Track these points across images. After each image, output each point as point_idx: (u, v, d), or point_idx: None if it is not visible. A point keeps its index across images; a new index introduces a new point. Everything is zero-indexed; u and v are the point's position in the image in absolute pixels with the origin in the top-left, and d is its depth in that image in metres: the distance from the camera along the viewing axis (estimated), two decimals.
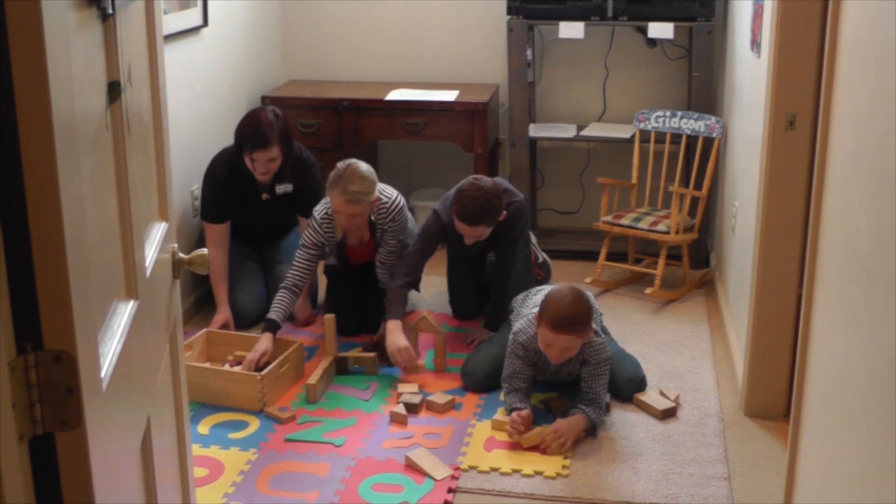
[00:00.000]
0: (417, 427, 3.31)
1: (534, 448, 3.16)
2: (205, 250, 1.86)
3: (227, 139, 4.44)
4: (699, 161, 4.51)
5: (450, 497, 2.91)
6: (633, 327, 4.09)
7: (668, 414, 3.37)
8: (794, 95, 3.06)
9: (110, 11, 1.34)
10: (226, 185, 4.00)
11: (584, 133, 4.85)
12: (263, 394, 3.39)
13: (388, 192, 3.84)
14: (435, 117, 4.73)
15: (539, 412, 3.37)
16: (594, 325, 3.30)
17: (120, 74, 1.40)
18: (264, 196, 4.07)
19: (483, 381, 3.54)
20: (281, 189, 4.08)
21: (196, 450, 3.05)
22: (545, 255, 4.43)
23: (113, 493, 1.24)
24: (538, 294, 3.49)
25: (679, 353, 3.86)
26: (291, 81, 5.25)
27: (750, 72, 3.68)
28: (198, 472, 2.97)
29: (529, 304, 3.50)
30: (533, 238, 4.32)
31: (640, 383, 3.50)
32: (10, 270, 1.03)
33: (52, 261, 1.05)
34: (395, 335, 3.62)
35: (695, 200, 4.51)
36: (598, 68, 5.02)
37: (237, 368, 3.53)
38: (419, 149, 5.26)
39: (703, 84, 4.59)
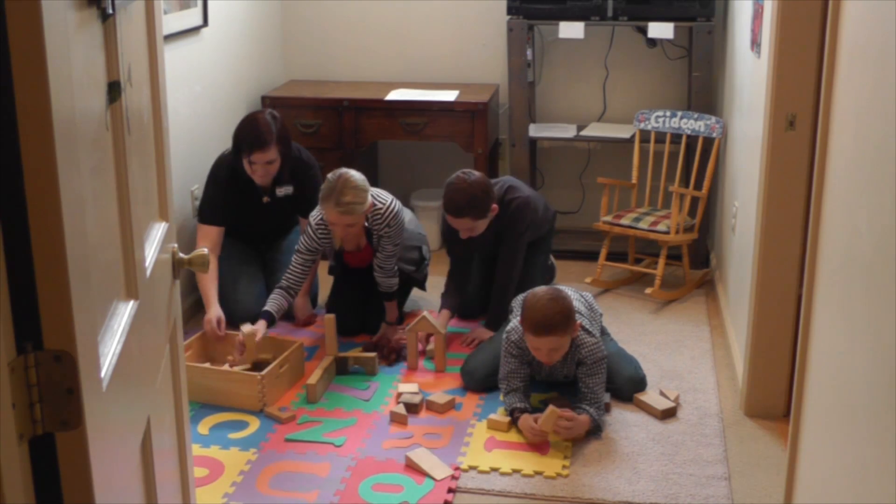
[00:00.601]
0: (417, 427, 3.32)
1: (534, 448, 3.16)
2: (204, 250, 1.86)
3: (227, 139, 4.43)
4: (699, 161, 4.51)
5: (450, 497, 2.91)
6: (633, 327, 4.09)
7: (668, 414, 3.37)
8: (794, 95, 3.06)
9: (110, 11, 1.34)
10: (227, 188, 3.99)
11: (584, 133, 4.85)
12: (263, 394, 3.39)
13: (382, 197, 3.83)
14: (435, 117, 4.73)
15: (539, 412, 3.37)
16: (581, 321, 3.30)
17: (120, 74, 1.40)
18: (265, 199, 4.06)
19: (483, 381, 3.54)
20: (281, 191, 4.08)
21: (196, 450, 3.05)
22: (552, 258, 4.44)
23: (113, 493, 1.24)
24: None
25: (679, 353, 3.86)
26: (291, 81, 5.25)
27: (750, 72, 3.68)
28: (198, 472, 2.97)
29: None
30: None
31: (639, 383, 3.50)
32: (10, 270, 1.03)
33: (52, 261, 1.05)
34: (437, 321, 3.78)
35: (695, 200, 4.52)
36: (598, 68, 5.02)
37: (237, 368, 3.53)
38: (419, 149, 5.26)
39: (703, 84, 4.59)
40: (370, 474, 3.01)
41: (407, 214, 4.06)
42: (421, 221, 4.92)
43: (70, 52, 1.12)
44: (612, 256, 4.59)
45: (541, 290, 3.26)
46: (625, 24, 4.64)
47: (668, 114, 4.58)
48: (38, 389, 1.06)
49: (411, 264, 4.12)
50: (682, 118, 4.54)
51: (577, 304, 3.45)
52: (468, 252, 4.02)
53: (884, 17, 1.67)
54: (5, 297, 1.02)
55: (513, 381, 3.32)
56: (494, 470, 3.05)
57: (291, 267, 3.81)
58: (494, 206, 3.79)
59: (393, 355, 3.79)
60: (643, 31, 4.67)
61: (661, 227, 4.34)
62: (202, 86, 4.28)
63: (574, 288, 3.68)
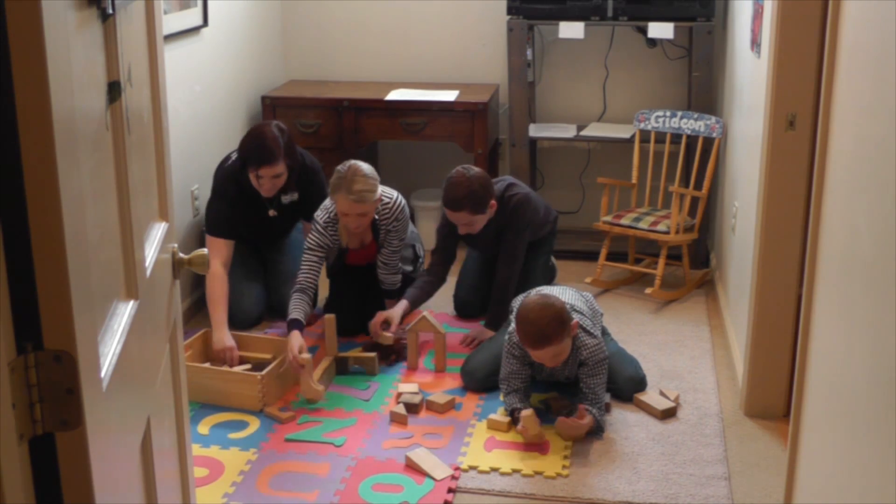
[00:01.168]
0: (417, 427, 3.31)
1: (534, 448, 3.16)
2: (205, 250, 1.85)
3: (227, 139, 4.45)
4: (699, 161, 4.51)
5: (450, 497, 2.91)
6: (633, 327, 4.09)
7: (668, 414, 3.37)
8: (794, 95, 3.06)
9: (110, 11, 1.34)
10: (234, 202, 3.96)
11: (584, 133, 4.85)
12: (263, 394, 3.39)
13: (388, 192, 3.85)
14: (435, 117, 4.73)
15: (539, 412, 3.37)
16: (582, 320, 3.29)
17: (120, 74, 1.40)
18: (272, 213, 4.04)
19: (483, 381, 3.54)
20: (287, 199, 4.06)
21: (196, 450, 3.05)
22: (553, 259, 4.44)
23: (113, 493, 1.24)
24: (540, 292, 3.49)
25: (679, 353, 3.86)
26: (291, 81, 5.25)
27: (750, 72, 3.68)
28: (198, 472, 2.97)
29: None
30: None
31: (640, 383, 3.50)
32: (10, 270, 1.03)
33: (52, 261, 1.05)
34: (391, 309, 3.82)
35: (695, 200, 4.52)
36: (598, 68, 5.02)
37: (238, 368, 3.52)
38: (419, 149, 5.26)
39: (703, 84, 4.59)
40: (370, 474, 3.01)
41: None
42: (421, 221, 4.93)
43: (70, 52, 1.12)
44: (612, 256, 4.59)
45: (530, 300, 3.22)
46: (625, 24, 4.64)
47: (668, 114, 4.58)
48: (38, 389, 1.06)
49: (407, 263, 4.12)
50: (682, 118, 4.54)
51: (578, 302, 3.45)
52: (453, 253, 4.02)
53: (884, 17, 1.67)
54: (5, 297, 1.02)
55: (513, 381, 3.32)
56: (494, 470, 3.05)
57: (303, 266, 3.75)
58: (493, 202, 3.79)
59: (393, 356, 3.79)
60: (643, 31, 4.67)
61: (661, 227, 4.34)
62: (202, 86, 4.28)
63: (574, 288, 3.68)
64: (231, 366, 3.59)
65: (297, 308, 3.64)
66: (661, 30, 4.51)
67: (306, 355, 3.44)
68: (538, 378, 3.44)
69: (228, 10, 4.53)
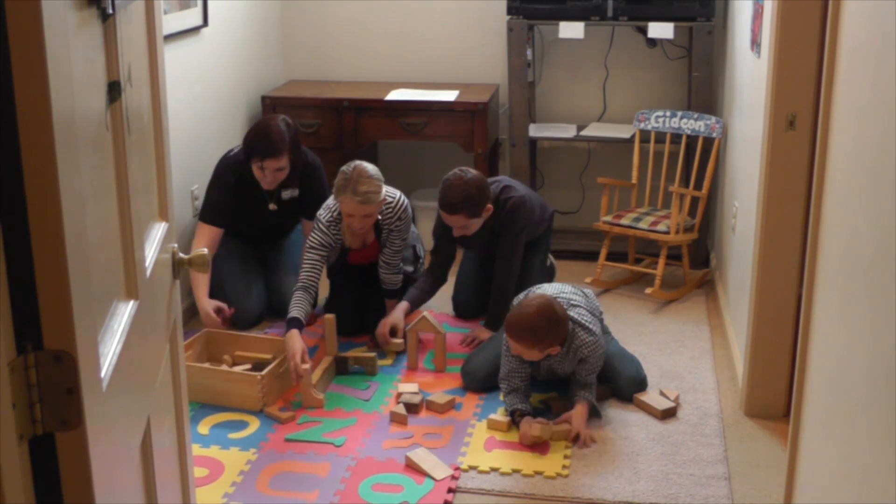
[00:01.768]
0: (417, 427, 3.31)
1: (534, 448, 3.16)
2: (205, 250, 1.85)
3: (227, 139, 4.45)
4: (699, 161, 4.51)
5: (450, 497, 2.91)
6: (633, 327, 4.09)
7: (669, 414, 3.37)
8: (794, 95, 3.06)
9: (110, 11, 1.34)
10: (233, 192, 3.98)
11: (584, 133, 4.85)
12: (263, 394, 3.39)
13: (391, 192, 3.85)
14: (435, 117, 4.73)
15: (539, 412, 3.37)
16: (581, 314, 3.29)
17: (120, 74, 1.40)
18: (272, 206, 4.06)
19: (483, 381, 3.54)
20: (287, 194, 4.07)
21: (196, 450, 3.05)
22: (552, 258, 4.44)
23: (113, 493, 1.24)
24: (538, 291, 3.49)
25: (679, 353, 3.86)
26: (291, 81, 5.25)
27: (750, 72, 3.68)
28: (198, 472, 2.97)
29: None
30: None
31: (641, 383, 3.50)
32: (10, 270, 1.03)
33: (52, 261, 1.05)
34: (393, 313, 3.83)
35: (695, 200, 4.52)
36: (598, 68, 5.02)
37: (238, 368, 3.53)
38: (419, 149, 5.26)
39: (703, 84, 4.59)
40: (370, 474, 3.01)
41: None
42: (421, 221, 4.93)
43: (70, 52, 1.12)
44: (612, 256, 4.59)
45: (531, 301, 3.22)
46: (625, 24, 4.64)
47: (668, 114, 4.58)
48: (38, 389, 1.06)
49: (407, 263, 4.12)
50: (682, 118, 4.54)
51: (577, 297, 3.44)
52: (452, 253, 4.03)
53: (884, 17, 1.67)
54: (5, 297, 1.02)
55: (513, 380, 3.32)
56: (494, 470, 3.05)
57: (305, 265, 3.74)
58: (489, 205, 3.79)
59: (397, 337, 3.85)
60: (643, 31, 4.67)
61: (661, 227, 4.34)
62: (202, 86, 4.28)
63: (574, 284, 3.66)
64: (224, 323, 3.79)
65: (297, 306, 3.63)
66: (661, 30, 4.51)
67: (306, 366, 3.44)
68: (538, 377, 3.44)
69: (228, 10, 4.53)
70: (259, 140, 3.87)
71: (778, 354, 3.28)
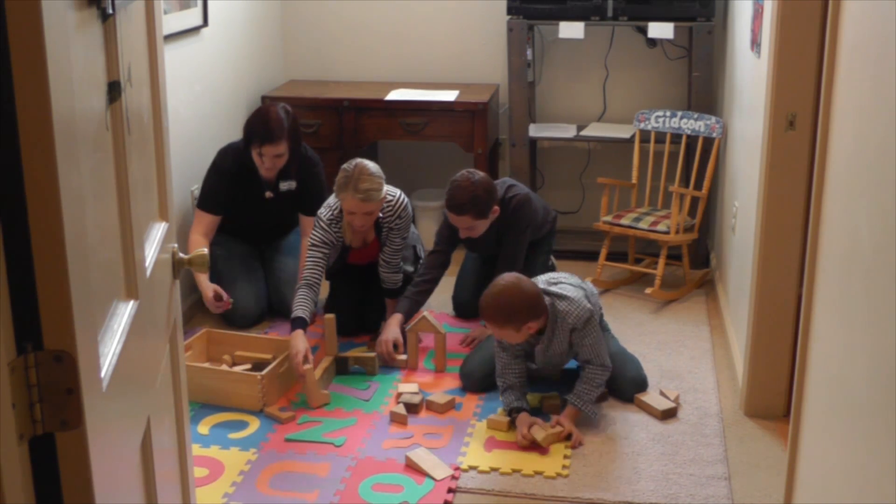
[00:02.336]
0: (417, 427, 3.31)
1: (534, 448, 3.16)
2: (205, 250, 1.85)
3: (228, 139, 4.44)
4: (699, 161, 4.51)
5: (450, 497, 2.91)
6: (633, 327, 4.09)
7: (669, 414, 3.37)
8: (794, 95, 3.06)
9: (110, 11, 1.34)
10: (231, 179, 4.01)
11: (584, 133, 4.85)
12: (263, 394, 3.39)
13: (392, 191, 3.85)
14: (435, 117, 4.73)
15: (538, 412, 3.38)
16: (562, 290, 3.28)
17: (120, 74, 1.40)
18: (268, 194, 4.08)
19: (481, 382, 3.54)
20: (285, 186, 4.09)
21: (196, 450, 3.05)
22: (552, 258, 4.44)
23: (113, 493, 1.24)
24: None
25: (679, 353, 3.86)
26: (291, 81, 5.25)
27: (750, 72, 3.68)
28: (198, 472, 2.97)
29: None
30: None
31: (641, 384, 3.50)
32: (10, 270, 1.03)
33: (52, 261, 1.05)
34: (388, 328, 3.77)
35: (695, 200, 4.52)
36: (598, 68, 5.02)
37: (238, 368, 3.52)
38: (419, 149, 5.26)
39: (703, 84, 4.59)
40: (370, 474, 3.01)
41: None
42: (421, 221, 4.93)
43: (70, 52, 1.12)
44: (612, 256, 4.59)
45: (501, 279, 3.25)
46: (625, 24, 4.64)
47: (668, 114, 4.58)
48: (38, 389, 1.06)
49: (408, 263, 4.12)
50: (682, 118, 4.54)
51: (566, 278, 3.44)
52: (447, 261, 3.98)
53: (884, 17, 1.67)
54: (5, 297, 1.02)
55: (508, 376, 3.32)
56: (494, 470, 3.05)
57: (309, 262, 3.74)
58: (496, 207, 3.79)
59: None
60: (643, 31, 4.67)
61: (661, 227, 4.34)
62: (202, 86, 4.28)
63: (574, 275, 3.63)
64: (226, 304, 3.87)
65: (302, 305, 3.63)
66: (661, 30, 4.51)
67: (308, 366, 3.44)
68: (535, 366, 3.41)
69: (228, 10, 4.53)
70: (258, 126, 3.90)
71: (778, 354, 3.28)
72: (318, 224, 3.79)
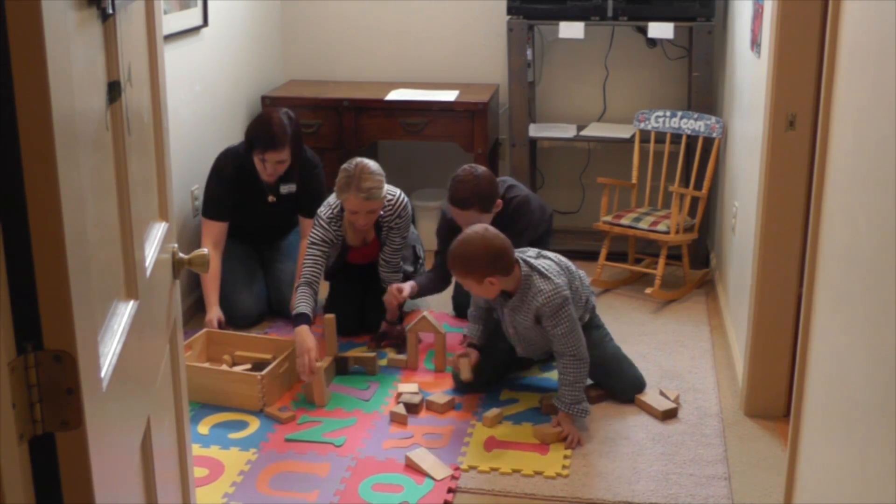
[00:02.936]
0: (417, 427, 3.31)
1: (534, 448, 3.16)
2: (205, 250, 1.85)
3: (228, 139, 4.45)
4: (699, 161, 4.51)
5: (450, 497, 2.91)
6: (633, 327, 4.09)
7: (669, 415, 3.37)
8: (794, 95, 3.06)
9: (110, 11, 1.34)
10: (232, 184, 4.01)
11: (584, 133, 4.85)
12: (263, 394, 3.39)
13: (391, 190, 3.86)
14: (435, 117, 4.73)
15: (535, 412, 3.38)
16: (545, 267, 3.27)
17: (120, 74, 1.40)
18: (270, 198, 4.07)
19: (475, 379, 3.54)
20: (285, 189, 4.09)
21: (196, 450, 3.05)
22: None
23: (113, 493, 1.24)
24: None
25: (679, 353, 3.86)
26: (291, 81, 5.25)
27: (750, 72, 3.68)
28: (198, 472, 2.97)
29: None
30: None
31: (639, 385, 3.50)
32: (10, 270, 1.03)
33: (52, 261, 1.05)
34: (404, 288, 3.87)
35: (695, 200, 4.52)
36: (598, 68, 5.02)
37: (238, 368, 3.52)
38: (419, 149, 5.26)
39: (703, 84, 4.59)
40: (370, 474, 3.01)
41: None
42: (421, 221, 4.93)
43: (70, 52, 1.12)
44: (612, 256, 4.59)
45: (471, 229, 3.30)
46: (625, 24, 4.64)
47: (668, 114, 4.58)
48: (38, 389, 1.06)
49: (407, 263, 4.13)
50: (682, 118, 4.54)
51: (554, 258, 3.41)
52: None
53: (884, 17, 1.67)
54: (5, 297, 1.02)
55: (476, 315, 3.56)
56: (494, 470, 3.05)
57: (308, 260, 3.73)
58: (499, 201, 3.80)
59: (385, 342, 3.90)
60: (643, 31, 4.67)
61: (661, 227, 4.34)
62: (202, 86, 4.29)
63: (564, 258, 3.59)
64: (220, 327, 3.86)
65: (304, 302, 3.63)
66: (661, 30, 4.51)
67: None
68: (513, 343, 3.45)
69: (228, 10, 4.53)
70: (261, 133, 3.89)
71: (778, 354, 3.28)
72: (318, 223, 3.79)
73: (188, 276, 4.04)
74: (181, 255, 1.84)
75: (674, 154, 4.75)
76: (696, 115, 4.51)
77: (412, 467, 3.05)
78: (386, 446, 3.19)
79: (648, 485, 2.96)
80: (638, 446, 3.18)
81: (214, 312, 3.91)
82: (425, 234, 4.70)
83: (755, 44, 3.50)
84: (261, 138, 3.89)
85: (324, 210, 3.81)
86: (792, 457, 2.30)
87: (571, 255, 4.82)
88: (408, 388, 3.52)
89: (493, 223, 3.86)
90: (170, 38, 3.81)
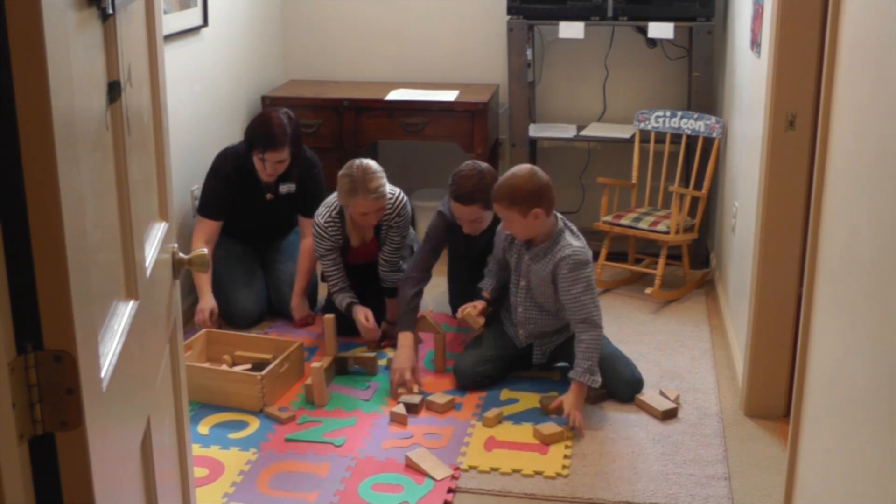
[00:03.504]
0: (417, 427, 3.31)
1: (534, 448, 3.16)
2: (204, 250, 1.86)
3: (227, 139, 4.45)
4: (699, 161, 4.51)
5: (450, 497, 2.91)
6: (633, 327, 4.09)
7: (669, 415, 3.37)
8: (794, 95, 3.06)
9: (110, 11, 1.34)
10: (230, 183, 4.01)
11: (584, 133, 4.85)
12: (263, 394, 3.39)
13: (391, 189, 3.86)
14: (435, 117, 4.73)
15: (535, 412, 3.38)
16: (572, 227, 3.42)
17: (120, 74, 1.40)
18: (269, 196, 4.08)
19: (474, 378, 3.55)
20: (284, 188, 4.09)
21: (196, 450, 3.05)
22: None
23: (113, 493, 1.24)
24: None
25: (679, 353, 3.86)
26: (291, 81, 5.25)
27: (750, 72, 3.68)
28: (198, 472, 2.97)
29: None
30: None
31: (637, 385, 3.49)
32: (10, 270, 1.03)
33: (52, 261, 1.05)
34: (403, 352, 3.57)
35: (695, 200, 4.52)
36: (598, 68, 5.02)
37: (238, 368, 3.52)
38: (419, 149, 5.26)
39: (703, 84, 4.59)
40: (370, 474, 3.01)
41: None
42: (421, 221, 4.92)
43: (70, 52, 1.12)
44: (612, 256, 4.59)
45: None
46: (625, 24, 4.64)
47: (668, 114, 4.58)
48: (38, 389, 1.06)
49: (407, 262, 4.13)
50: (682, 118, 4.54)
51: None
52: (435, 261, 3.87)
53: (884, 17, 1.67)
54: (5, 297, 1.02)
55: (491, 270, 3.69)
56: (494, 470, 3.05)
57: (326, 272, 3.87)
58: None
59: (385, 342, 3.89)
60: (643, 31, 4.67)
61: (661, 227, 4.34)
62: (202, 86, 4.28)
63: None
64: (211, 325, 3.85)
65: (343, 298, 3.84)
66: (661, 30, 4.51)
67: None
68: (516, 334, 3.53)
69: (228, 10, 4.53)
70: (261, 133, 3.90)
71: (778, 354, 3.28)
72: (316, 231, 3.79)
73: (188, 276, 4.04)
74: (181, 255, 1.84)
75: (674, 154, 4.75)
76: (696, 115, 4.51)
77: (412, 467, 3.05)
78: (386, 446, 3.19)
79: (648, 485, 2.96)
80: (638, 446, 3.18)
81: (208, 301, 3.92)
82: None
83: (755, 44, 3.50)
84: (260, 138, 3.90)
85: (322, 214, 3.81)
86: (792, 457, 2.30)
87: None
88: None
89: (490, 225, 3.86)
90: (170, 38, 3.81)
